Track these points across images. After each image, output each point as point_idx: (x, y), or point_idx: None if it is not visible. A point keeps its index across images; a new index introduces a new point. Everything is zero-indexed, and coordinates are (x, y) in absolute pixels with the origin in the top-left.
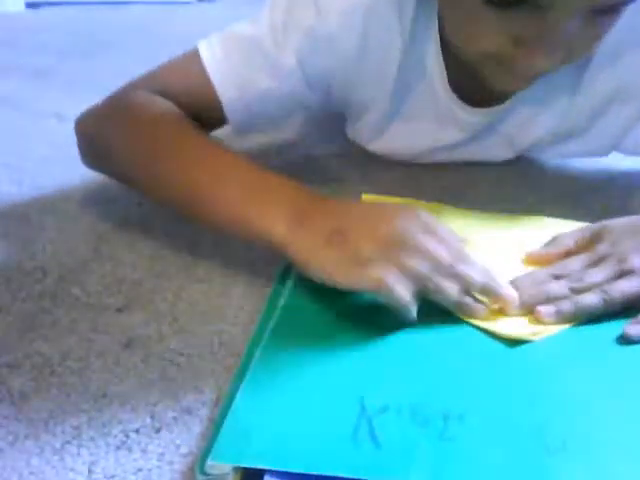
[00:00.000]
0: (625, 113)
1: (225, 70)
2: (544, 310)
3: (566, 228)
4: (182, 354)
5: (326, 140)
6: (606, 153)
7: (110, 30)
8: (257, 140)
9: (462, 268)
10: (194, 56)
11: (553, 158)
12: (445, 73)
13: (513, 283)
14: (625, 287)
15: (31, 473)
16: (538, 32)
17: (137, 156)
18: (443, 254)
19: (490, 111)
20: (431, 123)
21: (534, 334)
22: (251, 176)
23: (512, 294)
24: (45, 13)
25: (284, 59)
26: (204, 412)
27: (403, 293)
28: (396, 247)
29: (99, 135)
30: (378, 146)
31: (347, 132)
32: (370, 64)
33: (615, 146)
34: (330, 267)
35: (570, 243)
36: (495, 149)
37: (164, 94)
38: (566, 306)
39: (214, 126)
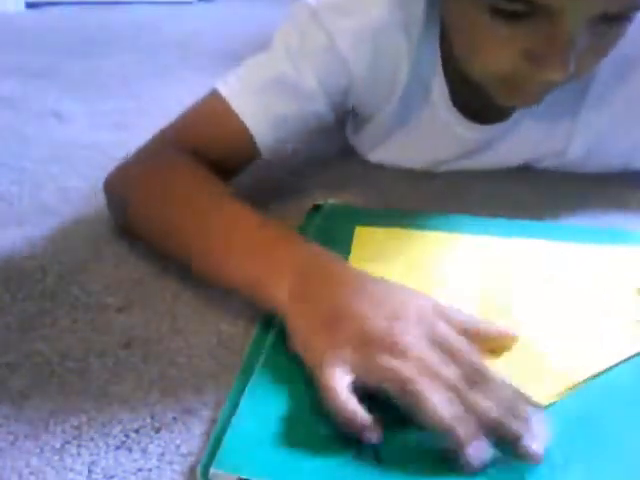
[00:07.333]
0: (624, 144)
1: (249, 102)
2: None
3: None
4: (182, 354)
5: (327, 141)
6: (615, 171)
7: (110, 30)
8: None
9: (471, 393)
10: (215, 97)
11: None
12: (447, 89)
13: None
14: None
15: (31, 473)
16: (550, 43)
17: (151, 210)
18: (450, 372)
19: (489, 128)
20: (430, 135)
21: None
22: (255, 235)
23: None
24: (45, 13)
25: (305, 82)
26: (204, 412)
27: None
28: (386, 351)
29: (124, 197)
30: (378, 157)
31: (348, 139)
32: (380, 82)
33: (625, 166)
34: (317, 358)
35: None
36: (494, 164)
37: (195, 144)
38: None
39: (242, 165)
